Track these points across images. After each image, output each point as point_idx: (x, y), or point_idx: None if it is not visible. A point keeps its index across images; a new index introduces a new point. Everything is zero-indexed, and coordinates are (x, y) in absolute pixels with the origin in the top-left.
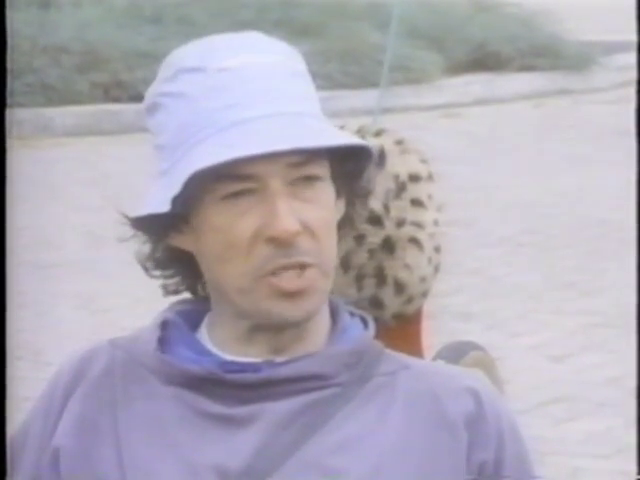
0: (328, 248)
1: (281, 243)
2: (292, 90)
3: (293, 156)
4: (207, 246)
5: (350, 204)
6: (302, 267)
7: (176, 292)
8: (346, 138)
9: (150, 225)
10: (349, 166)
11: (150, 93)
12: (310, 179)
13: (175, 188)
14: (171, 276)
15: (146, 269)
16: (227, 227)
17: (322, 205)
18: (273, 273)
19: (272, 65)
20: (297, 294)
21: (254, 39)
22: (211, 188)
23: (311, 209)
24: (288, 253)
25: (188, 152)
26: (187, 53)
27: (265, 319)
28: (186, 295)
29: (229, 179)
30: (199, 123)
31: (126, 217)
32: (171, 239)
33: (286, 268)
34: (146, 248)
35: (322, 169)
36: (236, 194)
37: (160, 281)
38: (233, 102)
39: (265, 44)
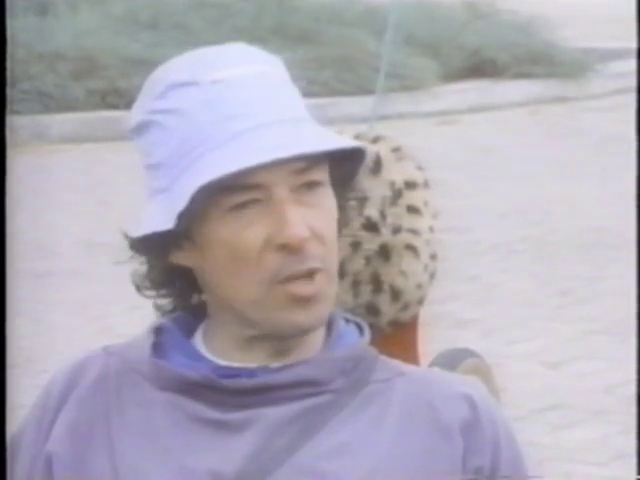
0: (333, 253)
1: (292, 250)
2: (285, 97)
3: (297, 162)
4: (214, 260)
5: (341, 208)
6: (312, 273)
7: (171, 312)
8: (347, 141)
9: (150, 244)
10: (345, 169)
11: (137, 112)
12: (313, 185)
13: (180, 204)
14: (165, 295)
15: (139, 288)
16: (235, 238)
17: (326, 210)
18: (286, 281)
19: (262, 74)
20: (310, 300)
21: (240, 50)
22: (216, 201)
23: (316, 214)
24: (299, 259)
25: (189, 167)
26: (175, 68)
27: (277, 329)
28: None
29: (234, 190)
30: (198, 138)
31: (126, 237)
32: (171, 257)
33: (297, 276)
34: (143, 268)
35: (323, 174)
36: (242, 205)
37: (154, 302)
38: (230, 113)
39: (251, 55)
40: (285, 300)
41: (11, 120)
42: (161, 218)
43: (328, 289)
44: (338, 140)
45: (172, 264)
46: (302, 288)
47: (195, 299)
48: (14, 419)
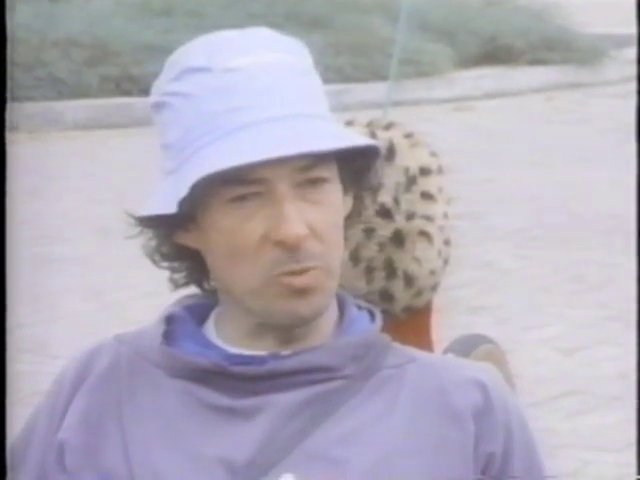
0: (334, 250)
1: (289, 247)
2: (298, 90)
3: (300, 160)
4: (215, 247)
5: (358, 198)
6: (308, 270)
7: (185, 284)
8: (353, 139)
9: (157, 223)
10: (357, 164)
11: (156, 90)
12: (317, 181)
13: (182, 191)
14: (178, 270)
15: (154, 261)
16: (234, 230)
17: (329, 207)
18: (281, 275)
19: (278, 65)
20: (306, 291)
21: (261, 37)
22: (217, 191)
23: (318, 212)
24: (296, 257)
25: (194, 155)
26: (193, 51)
27: (275, 319)
28: (194, 289)
29: (236, 183)
30: (205, 126)
31: (132, 216)
32: (177, 237)
33: (293, 272)
34: (152, 243)
35: (329, 171)
36: (242, 197)
37: (169, 275)
38: (239, 105)
39: (272, 42)
40: (282, 291)
41: (25, 107)
42: (165, 201)
43: (325, 282)
44: (345, 138)
45: (179, 243)
46: (297, 280)
47: (206, 283)
48: (26, 406)
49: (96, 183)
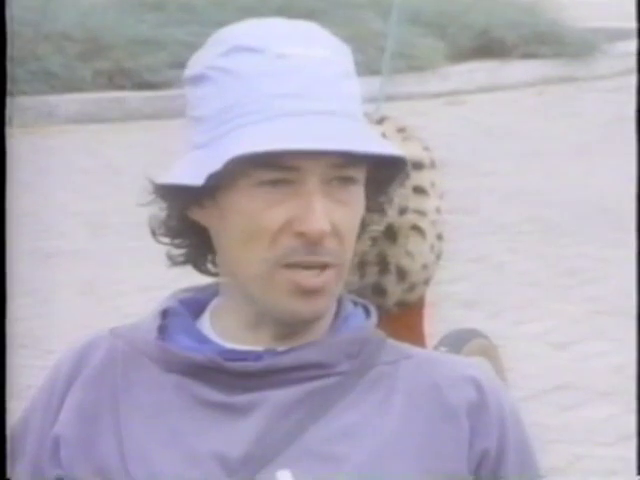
0: (349, 250)
1: (309, 240)
2: (343, 89)
3: (337, 157)
4: (231, 228)
5: (367, 210)
6: (322, 267)
7: (183, 263)
8: (391, 148)
9: (173, 194)
10: (381, 174)
11: (197, 64)
12: (346, 181)
13: (214, 166)
14: (179, 246)
15: (154, 234)
16: (257, 213)
17: (353, 208)
18: (293, 268)
19: (328, 60)
20: (313, 293)
21: (313, 30)
22: (248, 173)
23: (342, 211)
24: (314, 250)
25: (232, 132)
26: (245, 32)
27: (274, 313)
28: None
29: (269, 167)
30: (250, 106)
31: (151, 182)
32: (190, 212)
33: (308, 267)
34: (162, 215)
35: (359, 173)
36: (272, 182)
37: (167, 251)
38: (286, 92)
39: (323, 38)
40: (288, 287)
41: (18, 100)
42: (191, 173)
43: (335, 284)
44: (383, 145)
45: (190, 219)
46: (309, 280)
47: (203, 265)
48: (21, 400)
49: (89, 177)
